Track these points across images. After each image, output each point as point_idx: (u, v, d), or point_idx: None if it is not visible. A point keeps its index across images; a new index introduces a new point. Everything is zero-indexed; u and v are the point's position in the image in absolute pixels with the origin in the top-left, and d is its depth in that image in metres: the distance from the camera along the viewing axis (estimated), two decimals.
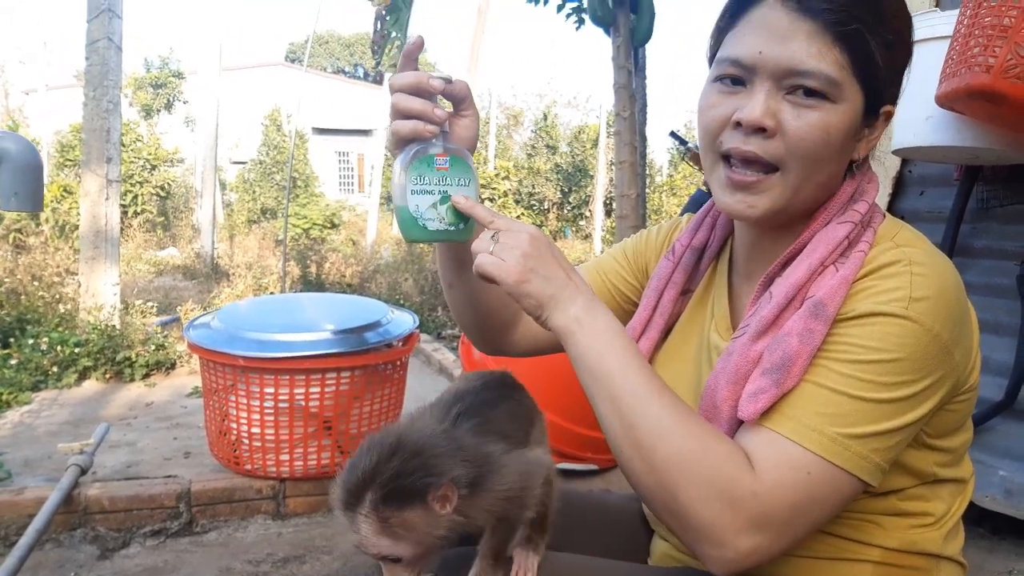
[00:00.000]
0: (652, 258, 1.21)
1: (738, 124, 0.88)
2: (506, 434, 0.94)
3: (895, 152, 2.42)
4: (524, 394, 1.06)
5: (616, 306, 1.21)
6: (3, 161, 1.42)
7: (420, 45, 0.93)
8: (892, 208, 2.89)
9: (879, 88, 0.89)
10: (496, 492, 0.87)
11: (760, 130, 0.87)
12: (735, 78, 0.89)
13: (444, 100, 0.97)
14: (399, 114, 0.92)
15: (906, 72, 0.93)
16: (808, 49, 0.84)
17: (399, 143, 0.93)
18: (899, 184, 2.92)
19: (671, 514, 0.81)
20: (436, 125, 0.92)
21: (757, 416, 0.82)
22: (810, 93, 0.85)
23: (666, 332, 1.12)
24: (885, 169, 2.90)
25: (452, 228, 0.94)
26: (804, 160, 0.87)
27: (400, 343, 2.81)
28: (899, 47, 0.90)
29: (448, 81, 0.93)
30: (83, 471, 2.52)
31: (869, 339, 0.82)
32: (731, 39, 0.91)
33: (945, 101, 2.03)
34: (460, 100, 0.97)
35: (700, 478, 0.79)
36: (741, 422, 0.85)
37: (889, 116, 0.93)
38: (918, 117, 2.20)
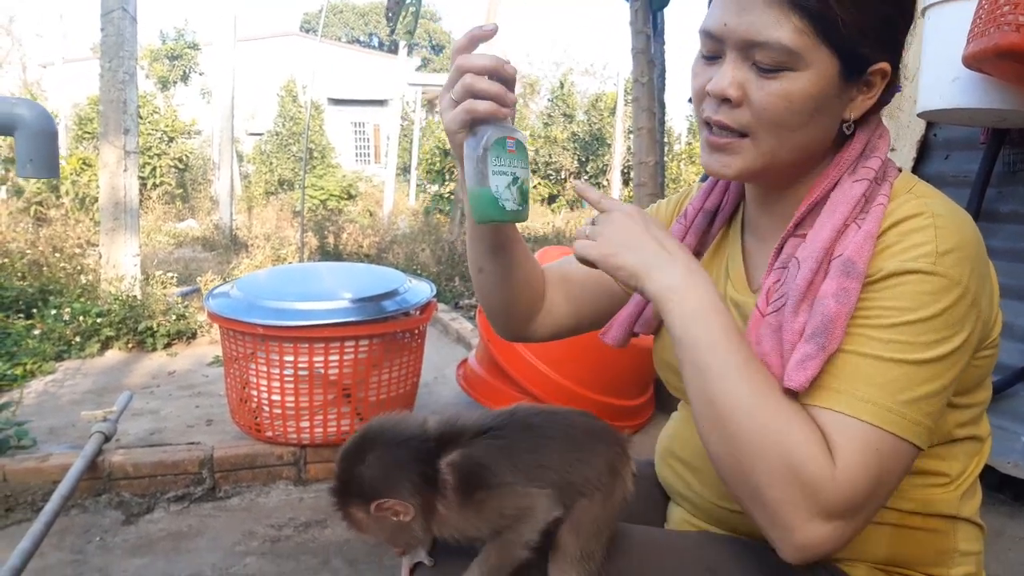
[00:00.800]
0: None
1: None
2: (540, 465, 0.91)
3: (920, 115, 2.37)
4: (602, 444, 0.97)
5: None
6: (18, 128, 1.42)
7: (494, 31, 0.96)
8: (917, 172, 2.85)
9: (855, 49, 0.86)
10: (480, 509, 0.89)
11: (727, 100, 0.89)
12: (711, 49, 0.91)
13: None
14: (475, 94, 0.93)
15: (907, 28, 0.91)
16: (765, 18, 0.84)
17: (469, 124, 0.94)
18: (924, 148, 2.87)
19: (746, 495, 0.81)
20: (509, 108, 0.95)
21: (808, 384, 0.81)
22: (773, 67, 0.86)
23: None
24: (910, 132, 2.85)
25: (520, 208, 0.97)
26: (770, 128, 0.89)
27: (417, 312, 2.81)
28: (876, 3, 0.86)
29: (513, 67, 0.96)
30: (107, 438, 2.56)
31: (902, 299, 0.81)
32: (709, 10, 0.92)
33: (972, 62, 1.98)
34: (511, 84, 0.98)
35: (778, 460, 0.78)
36: (789, 393, 0.84)
37: (885, 75, 0.90)
38: (944, 79, 2.15)
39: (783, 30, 0.84)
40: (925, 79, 2.25)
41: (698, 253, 1.11)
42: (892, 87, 0.93)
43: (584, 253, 0.91)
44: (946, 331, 0.81)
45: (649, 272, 0.87)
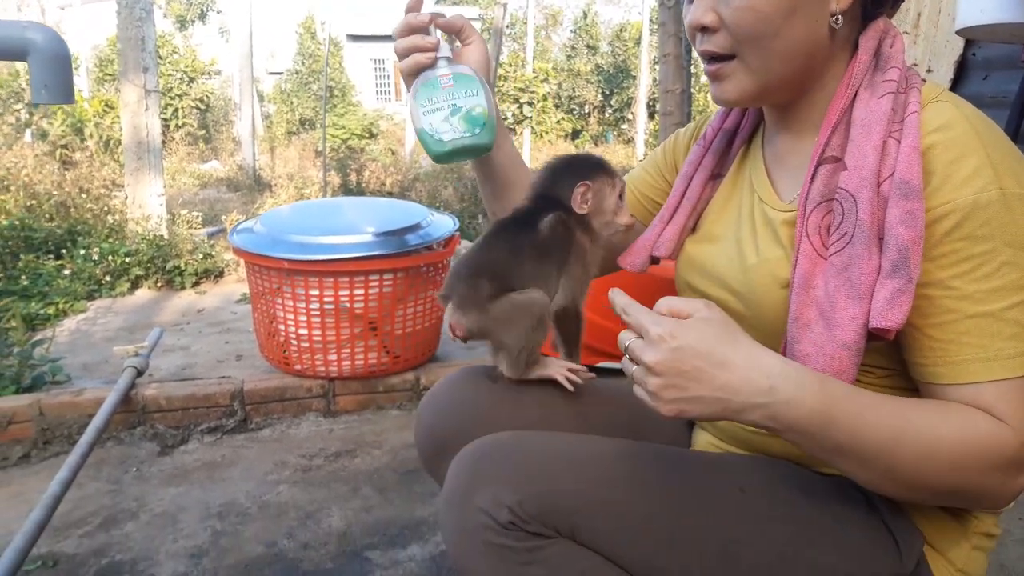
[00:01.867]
0: (682, 154, 1.20)
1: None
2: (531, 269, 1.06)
3: (959, 32, 2.28)
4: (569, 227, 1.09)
5: (648, 216, 1.22)
6: (30, 52, 1.40)
7: (420, 2, 1.05)
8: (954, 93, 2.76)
9: None
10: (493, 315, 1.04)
11: (705, 29, 0.91)
12: None
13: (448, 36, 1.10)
14: (399, 55, 1.05)
15: None
16: None
17: (409, 81, 1.05)
18: (961, 68, 2.77)
19: (956, 503, 0.86)
20: (430, 51, 1.03)
21: (904, 320, 0.80)
22: None
23: (696, 217, 1.11)
24: (948, 52, 2.75)
25: (468, 135, 1.00)
26: (749, 43, 0.89)
27: (441, 245, 2.80)
28: None
29: (439, 15, 1.04)
30: (139, 372, 2.60)
31: (990, 238, 0.80)
32: None
33: None
34: (458, 31, 1.08)
35: (979, 469, 0.79)
36: (865, 334, 0.82)
37: None
38: None
39: None
40: None
41: (718, 174, 1.11)
42: None
43: (648, 404, 0.79)
44: None
45: (738, 414, 0.77)
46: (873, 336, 0.83)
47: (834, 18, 0.89)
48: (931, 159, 0.83)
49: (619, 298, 0.82)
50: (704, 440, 1.11)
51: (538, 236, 1.05)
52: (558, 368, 1.14)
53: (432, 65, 1.03)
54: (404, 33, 1.04)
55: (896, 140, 0.85)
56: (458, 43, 1.11)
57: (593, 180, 1.08)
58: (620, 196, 1.11)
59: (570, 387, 1.13)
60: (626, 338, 0.81)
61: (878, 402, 0.80)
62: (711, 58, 0.93)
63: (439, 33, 1.05)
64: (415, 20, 1.03)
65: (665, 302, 0.80)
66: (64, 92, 1.50)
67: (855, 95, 0.90)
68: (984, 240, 0.80)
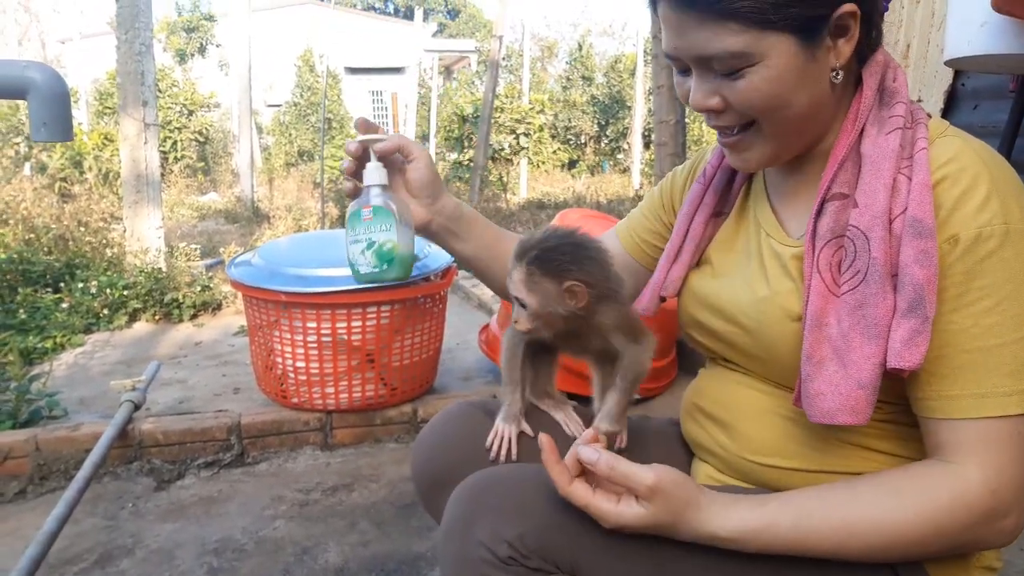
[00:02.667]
0: (679, 193, 1.21)
1: None
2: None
3: (948, 63, 2.31)
4: None
5: (649, 259, 1.24)
6: (30, 91, 1.42)
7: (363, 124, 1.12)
8: None
9: (803, 18, 0.84)
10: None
11: (713, 110, 0.91)
12: (678, 66, 0.93)
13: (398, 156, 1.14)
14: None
15: None
16: (704, 35, 0.85)
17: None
18: (951, 98, 2.81)
19: (957, 554, 0.87)
20: (355, 181, 1.12)
21: (922, 360, 0.80)
22: (732, 71, 0.86)
23: (699, 255, 1.12)
24: (937, 82, 2.78)
25: (377, 269, 1.09)
26: (763, 114, 0.89)
27: (438, 277, 2.81)
28: None
29: (375, 140, 1.09)
30: (136, 407, 2.60)
31: (994, 273, 0.81)
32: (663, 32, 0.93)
33: (1003, 5, 1.92)
34: (397, 151, 1.12)
35: (951, 535, 0.82)
36: (881, 373, 0.83)
37: (854, 15, 0.86)
38: (973, 24, 2.09)
39: (724, 40, 0.84)
40: (952, 25, 2.18)
41: (720, 211, 1.11)
42: (874, 19, 0.91)
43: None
44: None
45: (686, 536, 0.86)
46: (887, 375, 0.84)
47: (834, 73, 0.89)
48: (940, 193, 0.84)
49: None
50: (704, 473, 1.10)
51: None
52: (567, 413, 1.20)
53: (359, 194, 1.11)
54: (349, 156, 1.11)
55: (906, 177, 0.85)
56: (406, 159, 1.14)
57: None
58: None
59: (568, 431, 1.17)
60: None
61: (821, 519, 0.83)
62: (726, 131, 0.94)
63: (374, 157, 1.11)
64: (349, 147, 1.10)
65: (606, 466, 0.83)
66: (63, 130, 1.51)
67: (861, 131, 0.91)
68: (985, 274, 0.81)
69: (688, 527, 0.84)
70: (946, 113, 2.82)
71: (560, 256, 1.02)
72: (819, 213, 0.91)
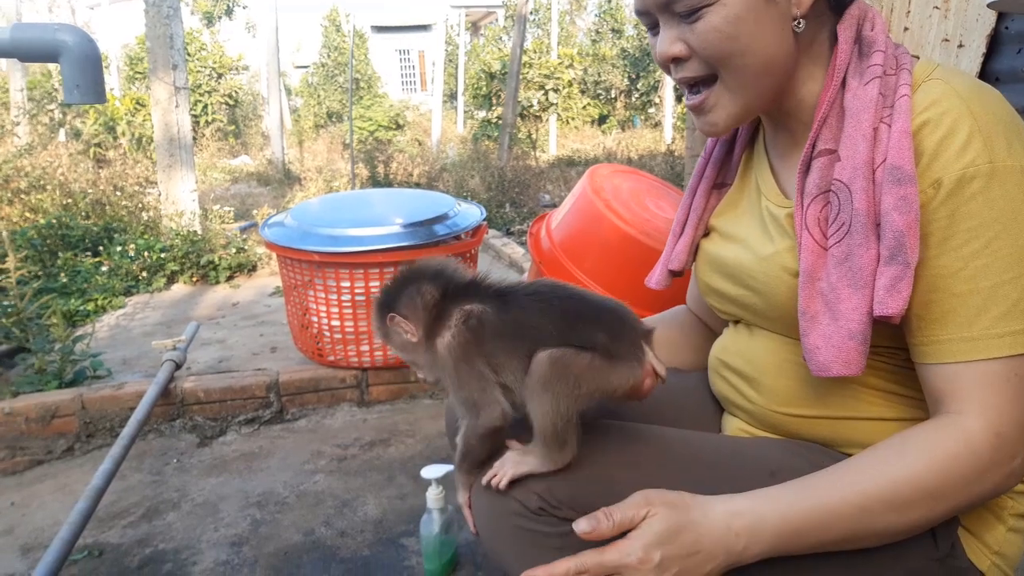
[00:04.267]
0: None
1: None
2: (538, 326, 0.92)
3: (990, 5, 2.22)
4: (620, 322, 0.94)
5: None
6: (62, 53, 1.43)
7: None
8: (986, 68, 2.70)
9: None
10: (456, 374, 0.94)
11: (676, 60, 0.91)
12: (647, 23, 0.95)
13: None
14: None
15: None
16: None
17: None
18: (994, 42, 2.71)
19: (978, 505, 0.86)
20: None
21: (905, 306, 0.80)
22: (692, 11, 0.87)
23: (703, 226, 1.13)
24: (979, 26, 2.69)
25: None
26: (722, 63, 0.89)
27: (468, 235, 2.81)
28: None
29: None
30: (177, 366, 2.65)
31: (981, 213, 0.80)
32: None
33: None
34: None
35: (962, 489, 0.81)
36: (872, 322, 0.84)
37: None
38: None
39: None
40: None
41: (722, 183, 1.12)
42: None
43: None
44: None
45: (730, 566, 0.84)
46: (879, 322, 0.83)
47: (796, 22, 0.89)
48: (922, 139, 0.83)
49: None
50: (735, 426, 1.11)
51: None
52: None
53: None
54: None
55: (887, 125, 0.85)
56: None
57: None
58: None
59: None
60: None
61: (831, 490, 0.82)
62: (691, 87, 0.94)
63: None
64: None
65: (607, 521, 0.82)
66: (95, 92, 1.53)
67: (844, 84, 0.90)
68: (971, 216, 0.80)
69: (701, 511, 0.83)
70: (988, 57, 2.72)
71: (383, 294, 1.02)
72: (807, 171, 0.90)
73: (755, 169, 1.07)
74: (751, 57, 0.88)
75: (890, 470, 0.81)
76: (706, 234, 1.14)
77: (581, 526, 0.83)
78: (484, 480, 0.92)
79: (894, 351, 0.91)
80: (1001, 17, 2.66)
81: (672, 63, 0.93)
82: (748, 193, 1.08)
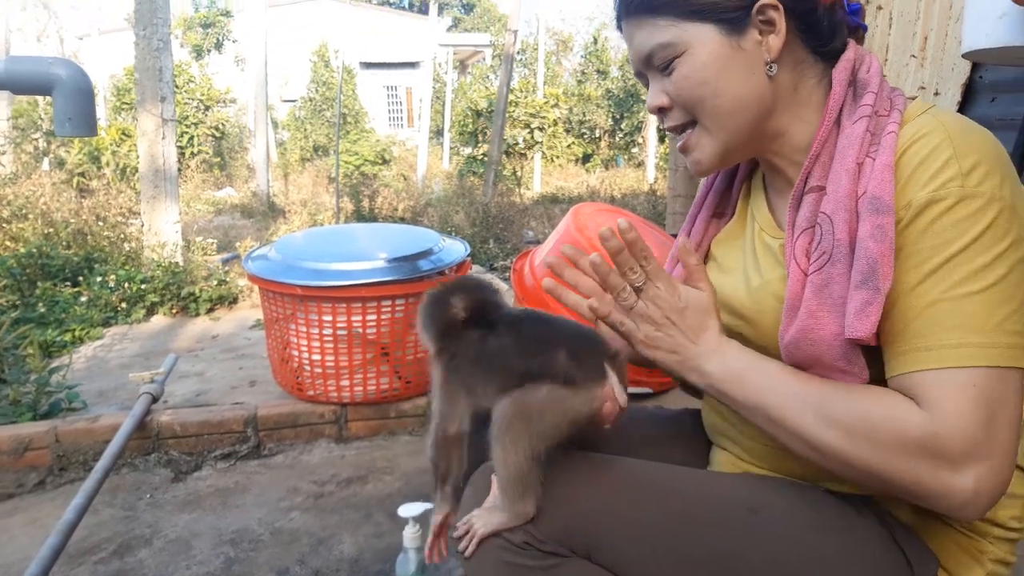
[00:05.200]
0: None
1: None
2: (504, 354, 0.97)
3: (965, 56, 2.28)
4: (586, 345, 0.97)
5: None
6: (55, 87, 1.44)
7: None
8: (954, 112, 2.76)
9: (715, 9, 0.92)
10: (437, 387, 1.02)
11: (662, 110, 1.00)
12: (643, 82, 1.03)
13: None
14: None
15: None
16: (641, 35, 0.97)
17: None
18: (969, 91, 2.78)
19: (887, 488, 0.84)
20: None
21: (872, 330, 0.82)
22: (666, 63, 0.96)
23: (703, 253, 1.15)
24: (955, 75, 2.76)
25: None
26: (695, 108, 0.96)
27: (453, 271, 2.82)
28: None
29: None
30: (155, 399, 2.62)
31: (944, 232, 0.81)
32: None
33: None
34: None
35: (881, 446, 0.81)
36: (852, 345, 0.85)
37: (776, 8, 0.91)
38: (991, 16, 2.07)
39: (654, 35, 0.95)
40: (970, 17, 2.16)
41: (721, 213, 1.15)
42: (812, 15, 0.94)
43: (629, 336, 0.94)
44: (999, 247, 0.80)
45: (681, 373, 0.95)
46: (860, 348, 0.85)
47: (768, 67, 0.94)
48: (902, 165, 0.85)
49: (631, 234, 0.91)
50: (723, 459, 1.10)
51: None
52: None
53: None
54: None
55: (871, 159, 0.87)
56: None
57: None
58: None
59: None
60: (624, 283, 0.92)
61: (790, 370, 0.89)
62: (677, 131, 1.01)
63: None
64: None
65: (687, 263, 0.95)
66: (87, 125, 1.53)
67: (840, 125, 0.93)
68: (935, 235, 0.82)
69: (707, 336, 0.93)
70: (963, 106, 2.79)
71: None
72: (798, 206, 0.93)
73: (752, 202, 1.10)
74: (721, 99, 0.94)
75: (839, 389, 0.85)
76: (703, 262, 1.15)
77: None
78: (458, 545, 0.94)
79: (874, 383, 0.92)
80: (976, 67, 2.73)
81: (659, 113, 1.01)
82: (745, 225, 1.10)
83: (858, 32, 1.01)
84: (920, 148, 0.85)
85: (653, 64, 0.97)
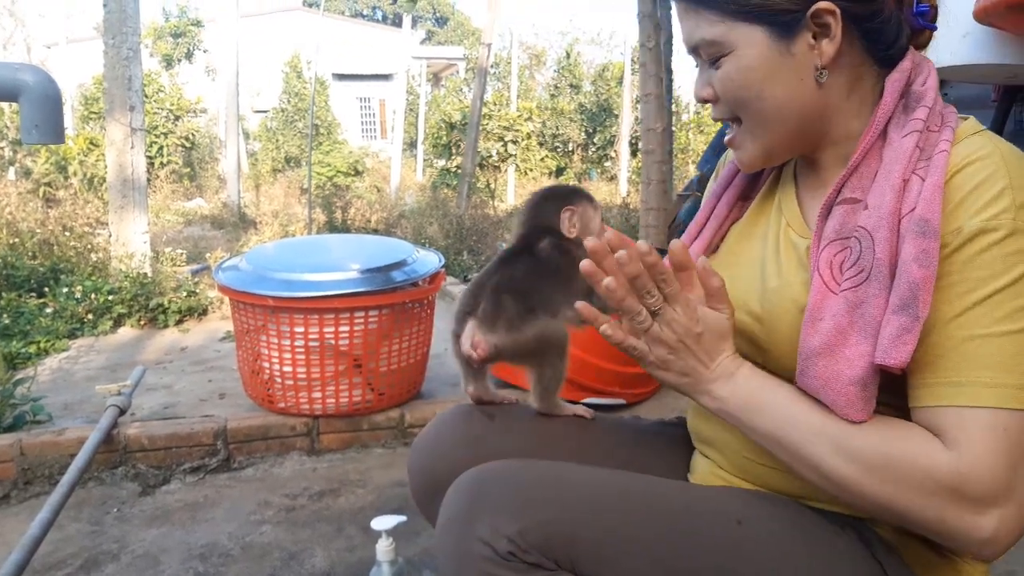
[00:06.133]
0: None
1: None
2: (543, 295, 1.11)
3: None
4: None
5: None
6: (22, 93, 1.42)
7: None
8: None
9: (769, 11, 0.88)
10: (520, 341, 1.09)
11: (705, 100, 0.98)
12: (695, 61, 1.00)
13: None
14: None
15: None
16: (690, 24, 0.94)
17: None
18: None
19: (904, 522, 0.83)
20: None
21: (909, 359, 0.79)
22: (713, 59, 0.94)
23: (718, 238, 1.11)
24: None
25: None
26: (738, 107, 0.95)
27: (426, 282, 2.81)
28: None
29: None
30: (122, 411, 2.58)
31: (992, 265, 0.80)
32: None
33: (983, 15, 1.94)
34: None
35: (904, 484, 0.80)
36: (875, 370, 0.83)
37: (833, 14, 0.87)
38: (955, 34, 2.11)
39: (703, 28, 0.92)
40: (935, 35, 2.21)
41: (747, 196, 1.11)
42: (872, 22, 0.91)
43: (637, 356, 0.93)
44: None
45: (694, 396, 0.93)
46: (883, 369, 0.83)
47: (819, 72, 0.90)
48: (953, 187, 0.83)
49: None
50: (704, 469, 1.10)
51: (542, 260, 1.13)
52: (579, 408, 1.23)
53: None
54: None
55: (919, 177, 0.85)
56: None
57: (576, 204, 1.17)
58: (600, 217, 1.21)
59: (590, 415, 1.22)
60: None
61: (807, 400, 0.86)
62: (724, 125, 1.01)
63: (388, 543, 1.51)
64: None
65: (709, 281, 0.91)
66: (55, 132, 1.51)
67: (886, 136, 0.90)
68: (982, 266, 0.80)
69: (728, 356, 0.91)
70: None
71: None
72: (827, 214, 0.91)
73: (779, 192, 1.06)
74: (765, 103, 0.92)
75: (860, 424, 0.83)
76: (714, 249, 1.12)
77: (701, 261, 0.91)
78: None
79: (882, 406, 0.91)
80: (941, 84, 2.79)
81: (704, 103, 0.99)
82: (767, 214, 1.06)
83: (924, 34, 0.98)
84: (975, 172, 0.83)
85: (702, 55, 0.95)
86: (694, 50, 0.96)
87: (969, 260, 0.81)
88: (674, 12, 0.98)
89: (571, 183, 1.30)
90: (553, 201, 1.19)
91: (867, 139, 0.90)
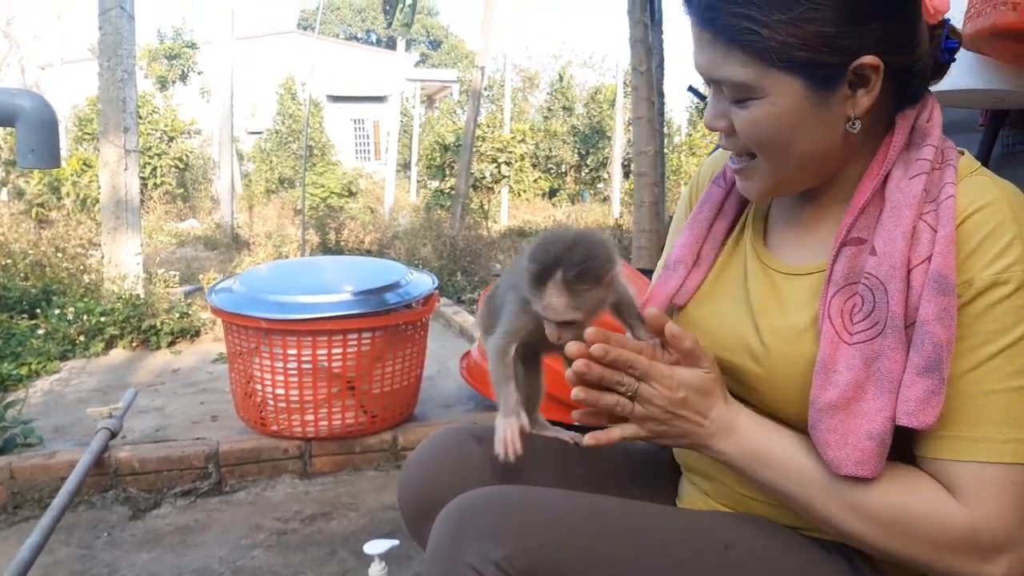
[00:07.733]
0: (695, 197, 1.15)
1: None
2: None
3: None
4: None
5: None
6: (18, 118, 1.42)
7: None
8: None
9: (812, 63, 0.82)
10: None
11: (721, 131, 0.92)
12: (706, 83, 0.93)
13: None
14: None
15: (884, 14, 0.83)
16: (715, 57, 0.86)
17: None
18: None
19: (914, 568, 0.84)
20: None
21: (935, 422, 0.79)
22: (738, 99, 0.87)
23: (711, 260, 1.06)
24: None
25: None
26: (761, 148, 0.89)
27: (420, 304, 2.82)
28: (813, 15, 0.80)
29: None
30: (113, 434, 2.57)
31: (1005, 318, 0.80)
32: None
33: (970, 42, 1.97)
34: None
35: (919, 539, 0.81)
36: (892, 427, 0.82)
37: (875, 67, 0.82)
38: None
39: (730, 66, 0.85)
40: None
41: (735, 223, 1.07)
42: (910, 71, 0.87)
43: (629, 435, 0.92)
44: None
45: (698, 448, 0.93)
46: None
47: (850, 123, 0.87)
48: (962, 236, 0.82)
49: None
50: (691, 494, 1.10)
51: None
52: (558, 431, 1.21)
53: None
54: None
55: (928, 225, 0.83)
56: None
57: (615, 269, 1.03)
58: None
59: (568, 439, 1.19)
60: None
61: (813, 454, 0.86)
62: (735, 155, 0.95)
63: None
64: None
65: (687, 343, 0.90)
66: (51, 157, 1.51)
67: (887, 175, 0.89)
68: (995, 320, 0.80)
69: (724, 395, 0.91)
70: None
71: (592, 260, 0.95)
72: (835, 257, 0.89)
73: (749, 221, 1.04)
74: (791, 150, 0.88)
75: (864, 484, 0.83)
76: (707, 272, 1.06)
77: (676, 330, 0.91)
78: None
79: None
80: None
81: (715, 131, 0.94)
82: (741, 246, 1.04)
83: (942, 68, 0.94)
84: (983, 221, 0.82)
85: (721, 88, 0.88)
86: (714, 82, 0.89)
87: (981, 314, 0.81)
88: (667, 37, 0.96)
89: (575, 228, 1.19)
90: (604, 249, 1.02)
91: (875, 180, 0.88)
